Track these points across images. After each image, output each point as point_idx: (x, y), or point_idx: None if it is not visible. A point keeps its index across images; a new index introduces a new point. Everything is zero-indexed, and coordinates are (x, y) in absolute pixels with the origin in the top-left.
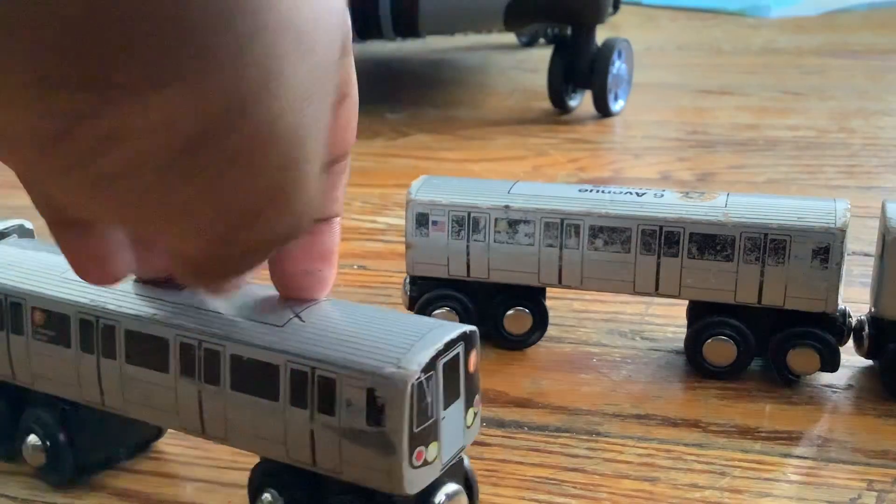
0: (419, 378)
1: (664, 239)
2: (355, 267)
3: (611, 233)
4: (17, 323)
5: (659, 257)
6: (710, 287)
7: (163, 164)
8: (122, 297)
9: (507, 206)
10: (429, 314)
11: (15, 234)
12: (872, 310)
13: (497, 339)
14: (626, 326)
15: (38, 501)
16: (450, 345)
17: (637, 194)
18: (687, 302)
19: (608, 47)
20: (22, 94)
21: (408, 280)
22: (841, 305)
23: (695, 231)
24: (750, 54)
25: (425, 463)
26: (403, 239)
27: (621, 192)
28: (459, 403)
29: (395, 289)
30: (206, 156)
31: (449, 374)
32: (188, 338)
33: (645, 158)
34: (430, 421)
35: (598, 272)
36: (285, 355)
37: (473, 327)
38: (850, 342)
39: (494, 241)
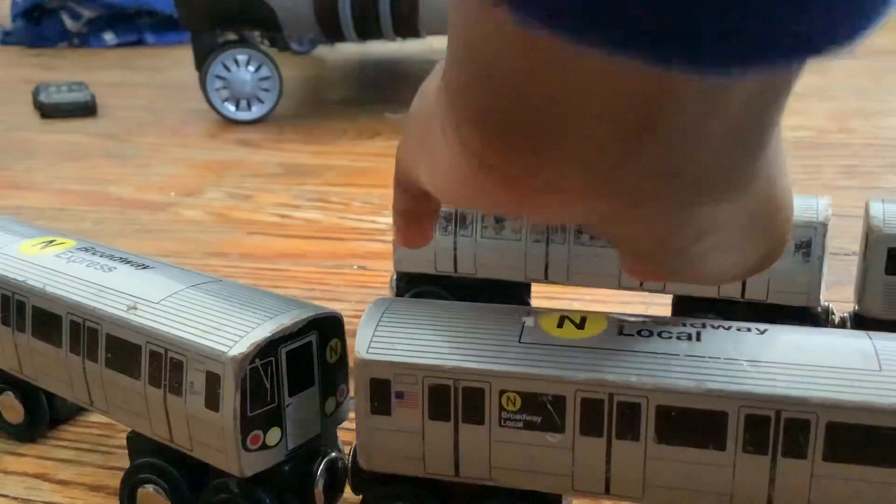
0: (254, 363)
1: None
2: (355, 267)
3: None
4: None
5: None
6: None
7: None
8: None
9: None
10: None
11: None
12: (856, 307)
13: None
14: None
15: (38, 501)
16: (299, 332)
17: None
18: (672, 297)
19: None
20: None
21: (395, 276)
22: (825, 302)
23: None
24: None
25: (263, 447)
26: None
27: None
28: (313, 391)
29: None
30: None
31: (295, 361)
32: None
33: None
34: (270, 406)
35: (584, 267)
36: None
37: (335, 312)
38: None
39: (482, 237)
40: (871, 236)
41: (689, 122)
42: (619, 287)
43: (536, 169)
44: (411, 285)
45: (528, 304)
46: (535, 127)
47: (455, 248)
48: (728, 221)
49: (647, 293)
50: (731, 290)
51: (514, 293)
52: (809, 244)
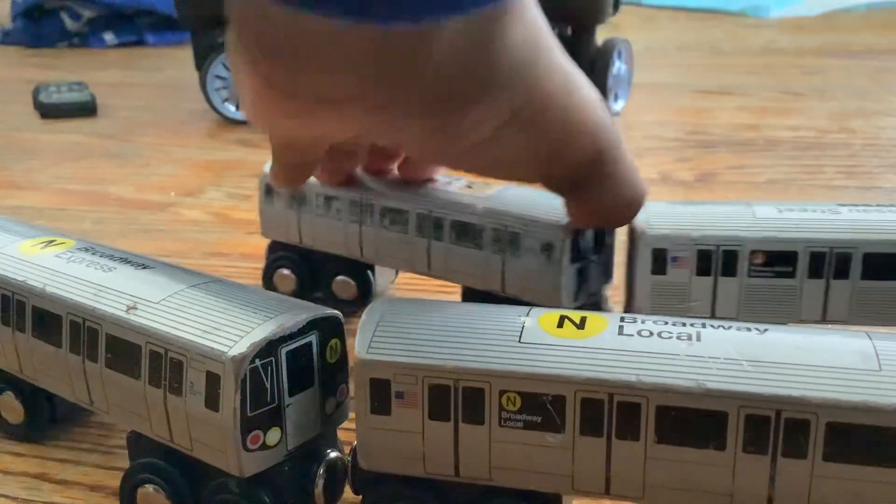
0: (254, 363)
1: (432, 224)
2: None
3: (395, 215)
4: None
5: (429, 240)
6: (468, 273)
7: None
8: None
9: (324, 183)
10: (273, 272)
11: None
12: (626, 306)
13: (332, 302)
14: None
15: (38, 501)
16: (299, 332)
17: (446, 183)
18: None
19: (608, 47)
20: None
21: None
22: (579, 301)
23: (455, 219)
24: (750, 54)
25: (263, 447)
26: None
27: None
28: (313, 391)
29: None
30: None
31: (295, 361)
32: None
33: (645, 158)
34: (270, 406)
35: (388, 250)
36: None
37: (334, 313)
38: None
39: (316, 215)
40: (636, 238)
41: (412, 57)
42: (414, 271)
43: (311, 81)
44: (273, 250)
45: (367, 276)
46: (302, 54)
47: (299, 224)
48: (484, 119)
49: (440, 282)
50: (494, 285)
51: (358, 266)
52: (551, 246)
